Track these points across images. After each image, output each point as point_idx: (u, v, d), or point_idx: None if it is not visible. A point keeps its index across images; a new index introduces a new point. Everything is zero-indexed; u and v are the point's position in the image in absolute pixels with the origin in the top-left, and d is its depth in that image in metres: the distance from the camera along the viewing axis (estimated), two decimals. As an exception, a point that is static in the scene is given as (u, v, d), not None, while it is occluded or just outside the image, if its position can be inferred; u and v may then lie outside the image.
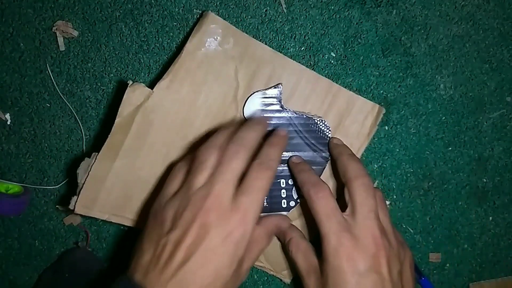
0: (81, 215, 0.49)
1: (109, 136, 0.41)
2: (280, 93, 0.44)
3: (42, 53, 0.46)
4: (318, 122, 0.44)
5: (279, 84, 0.44)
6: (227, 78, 0.43)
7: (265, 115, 0.44)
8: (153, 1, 0.45)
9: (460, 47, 0.48)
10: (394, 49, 0.47)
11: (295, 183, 0.43)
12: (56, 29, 0.45)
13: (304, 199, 0.40)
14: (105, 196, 0.43)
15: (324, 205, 0.37)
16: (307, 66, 0.44)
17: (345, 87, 0.45)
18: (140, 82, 0.44)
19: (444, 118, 0.49)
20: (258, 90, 0.44)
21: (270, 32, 0.46)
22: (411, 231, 0.51)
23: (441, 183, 0.50)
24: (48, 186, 0.48)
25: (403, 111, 0.48)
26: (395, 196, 0.50)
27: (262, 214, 0.40)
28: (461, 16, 0.47)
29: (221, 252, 0.32)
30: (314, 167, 0.44)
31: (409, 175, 0.50)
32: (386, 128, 0.49)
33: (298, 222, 0.46)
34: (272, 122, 0.44)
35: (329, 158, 0.45)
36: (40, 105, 0.47)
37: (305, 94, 0.44)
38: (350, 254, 0.35)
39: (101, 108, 0.47)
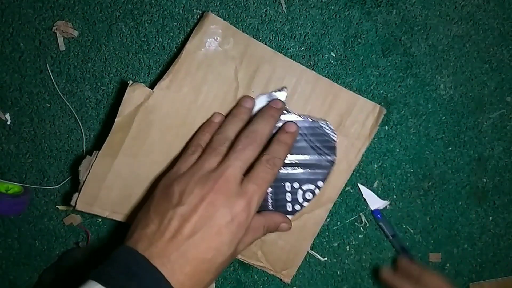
0: (81, 215, 0.49)
1: (109, 135, 0.42)
2: (286, 96, 0.44)
3: (42, 53, 0.46)
4: (323, 126, 0.44)
5: (284, 87, 0.44)
6: (227, 78, 0.43)
7: None
8: (153, 1, 0.45)
9: (460, 47, 0.48)
10: (394, 49, 0.47)
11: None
12: (56, 29, 0.45)
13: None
14: (105, 193, 0.43)
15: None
16: (307, 66, 0.44)
17: (345, 87, 0.45)
18: (140, 82, 0.44)
19: (444, 118, 0.49)
20: (264, 93, 0.44)
21: (270, 32, 0.46)
22: (411, 231, 0.51)
23: (441, 183, 0.50)
24: (48, 186, 0.48)
25: (403, 111, 0.48)
26: (395, 196, 0.50)
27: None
28: (461, 16, 0.47)
29: (225, 231, 0.34)
30: (318, 170, 0.45)
31: (409, 175, 0.50)
32: (386, 128, 0.49)
33: (296, 223, 0.46)
34: (277, 125, 0.44)
35: (335, 161, 0.45)
36: (40, 105, 0.47)
37: (306, 95, 0.44)
38: None
39: (101, 108, 0.47)
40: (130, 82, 0.42)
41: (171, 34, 0.45)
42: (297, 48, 0.46)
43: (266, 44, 0.44)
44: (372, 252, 0.51)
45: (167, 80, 0.42)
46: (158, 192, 0.37)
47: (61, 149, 0.48)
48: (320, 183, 0.45)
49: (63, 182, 0.48)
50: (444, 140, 0.49)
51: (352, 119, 0.45)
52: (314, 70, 0.45)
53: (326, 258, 0.51)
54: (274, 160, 0.38)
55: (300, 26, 0.46)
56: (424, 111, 0.49)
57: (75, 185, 0.42)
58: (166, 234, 0.33)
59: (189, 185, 0.35)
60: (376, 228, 0.51)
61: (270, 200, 0.44)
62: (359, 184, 0.49)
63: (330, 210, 0.47)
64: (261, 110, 0.43)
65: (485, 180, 0.51)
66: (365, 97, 0.45)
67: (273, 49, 0.43)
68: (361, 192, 0.50)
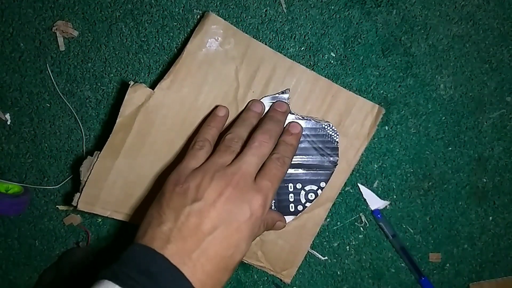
0: (81, 215, 0.49)
1: (111, 135, 0.42)
2: (288, 98, 0.44)
3: (42, 53, 0.46)
4: (326, 127, 0.45)
5: (287, 89, 0.44)
6: (227, 79, 0.43)
7: None
8: (153, 1, 0.45)
9: (460, 47, 0.48)
10: (394, 49, 0.47)
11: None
12: (56, 29, 0.45)
13: None
14: (107, 193, 0.43)
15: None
16: (307, 66, 0.44)
17: (345, 87, 0.45)
18: (140, 82, 0.44)
19: (444, 118, 0.49)
20: (268, 95, 0.44)
21: (270, 32, 0.46)
22: (411, 231, 0.51)
23: (441, 183, 0.50)
24: (48, 186, 0.48)
25: (403, 111, 0.48)
26: (395, 196, 0.50)
27: None
28: (461, 16, 0.47)
29: (245, 228, 0.33)
30: (321, 171, 0.45)
31: (409, 175, 0.50)
32: (386, 128, 0.49)
33: (296, 223, 0.46)
34: None
35: (337, 162, 0.45)
36: (40, 105, 0.47)
37: (305, 95, 0.44)
38: None
39: (101, 108, 0.47)
40: (131, 82, 0.42)
41: (171, 34, 0.45)
42: (297, 48, 0.46)
43: (266, 44, 0.44)
44: (372, 252, 0.51)
45: (168, 81, 0.42)
46: (169, 188, 0.35)
47: (61, 149, 0.48)
48: (322, 184, 0.45)
49: (63, 182, 0.48)
50: (444, 140, 0.49)
51: (351, 119, 0.45)
52: (314, 70, 0.45)
53: (326, 258, 0.51)
54: (283, 159, 0.38)
55: (300, 26, 0.46)
56: (424, 111, 0.49)
57: (76, 185, 0.42)
58: (185, 231, 0.32)
59: (205, 180, 0.34)
60: (376, 228, 0.51)
61: (272, 201, 0.44)
62: (359, 184, 0.49)
63: (330, 210, 0.47)
64: (268, 112, 0.43)
65: (485, 180, 0.51)
66: (365, 97, 0.45)
67: (273, 49, 0.43)
68: (361, 192, 0.50)
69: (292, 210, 0.45)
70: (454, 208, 0.51)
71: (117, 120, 0.42)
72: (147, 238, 0.32)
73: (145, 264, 0.30)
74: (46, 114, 0.47)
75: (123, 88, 0.41)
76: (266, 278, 0.51)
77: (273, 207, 0.45)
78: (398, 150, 0.49)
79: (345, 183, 0.46)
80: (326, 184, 0.45)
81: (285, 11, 0.46)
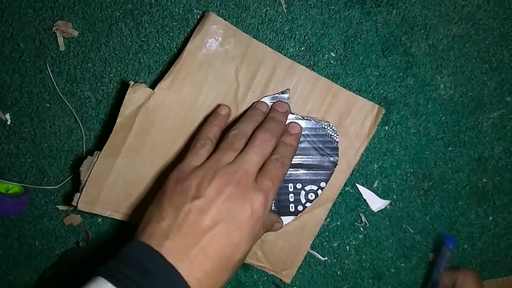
0: (81, 215, 0.49)
1: (111, 135, 0.42)
2: (288, 98, 0.44)
3: (42, 53, 0.46)
4: (326, 127, 0.45)
5: (287, 89, 0.44)
6: (227, 79, 0.43)
7: None
8: (153, 1, 0.45)
9: (460, 47, 0.48)
10: (394, 49, 0.47)
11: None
12: (56, 29, 0.45)
13: None
14: (107, 193, 0.43)
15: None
16: (307, 66, 0.44)
17: (345, 87, 0.45)
18: (141, 82, 0.44)
19: (444, 118, 0.49)
20: (268, 95, 0.44)
21: (270, 32, 0.46)
22: (411, 231, 0.51)
23: (441, 183, 0.50)
24: (48, 186, 0.48)
25: (403, 111, 0.48)
26: (395, 196, 0.50)
27: None
28: (461, 16, 0.47)
29: (245, 227, 0.33)
30: (321, 171, 0.45)
31: (409, 175, 0.50)
32: (386, 128, 0.49)
33: (296, 223, 0.46)
34: None
35: (337, 162, 0.45)
36: (40, 105, 0.47)
37: (305, 95, 0.44)
38: None
39: (101, 108, 0.47)
40: (131, 82, 0.42)
41: (171, 34, 0.45)
42: (297, 48, 0.46)
43: (266, 44, 0.44)
44: (372, 252, 0.51)
45: (168, 81, 0.42)
46: (170, 185, 0.35)
47: (61, 149, 0.48)
48: (322, 184, 0.45)
49: (63, 182, 0.48)
50: (444, 140, 0.49)
51: (351, 119, 0.45)
52: (314, 70, 0.45)
53: (326, 258, 0.51)
54: (283, 159, 0.38)
55: (300, 26, 0.46)
56: (424, 111, 0.49)
57: (76, 185, 0.42)
58: (184, 228, 0.31)
59: (206, 178, 0.34)
60: (376, 228, 0.51)
61: (273, 201, 0.44)
62: (357, 185, 0.49)
63: (330, 210, 0.47)
64: (269, 113, 0.43)
65: (485, 180, 0.51)
66: (365, 97, 0.45)
67: (273, 49, 0.43)
68: (360, 192, 0.50)
69: (292, 210, 0.45)
70: (454, 208, 0.51)
71: (117, 120, 0.42)
72: (146, 234, 0.32)
73: (141, 261, 0.30)
74: (46, 114, 0.47)
75: (123, 88, 0.41)
76: (266, 278, 0.51)
77: (273, 208, 0.45)
78: (398, 150, 0.49)
79: (345, 183, 0.46)
80: (326, 184, 0.45)
81: (285, 11, 0.46)
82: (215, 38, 0.43)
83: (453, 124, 0.49)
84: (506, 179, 0.51)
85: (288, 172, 0.44)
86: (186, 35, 0.46)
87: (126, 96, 0.41)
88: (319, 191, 0.45)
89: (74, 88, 0.46)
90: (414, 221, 0.51)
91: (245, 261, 0.47)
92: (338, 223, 0.50)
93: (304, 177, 0.45)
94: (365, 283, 0.52)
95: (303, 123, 0.44)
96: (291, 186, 0.45)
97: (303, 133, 0.44)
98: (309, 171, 0.45)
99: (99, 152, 0.42)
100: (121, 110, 0.42)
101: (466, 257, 0.52)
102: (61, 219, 0.49)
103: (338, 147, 0.45)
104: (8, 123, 0.47)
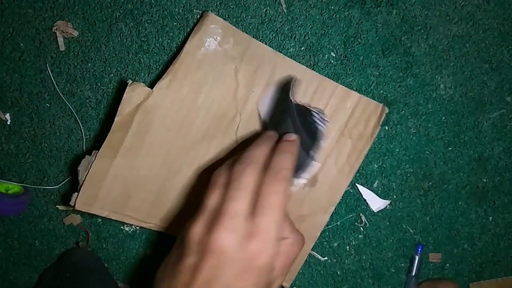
0: (81, 214, 0.49)
1: (109, 134, 0.42)
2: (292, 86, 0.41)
3: (42, 53, 0.46)
4: (314, 113, 0.43)
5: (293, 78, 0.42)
6: (227, 78, 0.43)
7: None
8: (153, 1, 0.45)
9: (460, 47, 0.48)
10: (394, 49, 0.47)
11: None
12: (56, 29, 0.45)
13: None
14: (105, 193, 0.43)
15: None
16: (307, 66, 0.44)
17: (345, 87, 0.45)
18: (140, 82, 0.44)
19: (444, 118, 0.49)
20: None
21: (270, 32, 0.46)
22: (411, 231, 0.51)
23: (441, 183, 0.50)
24: (48, 186, 0.48)
25: (403, 111, 0.48)
26: (395, 196, 0.50)
27: None
28: (461, 16, 0.47)
29: (244, 280, 0.28)
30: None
31: (409, 175, 0.50)
32: (386, 128, 0.49)
33: (297, 226, 0.46)
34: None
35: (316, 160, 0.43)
36: (40, 105, 0.47)
37: (306, 95, 0.44)
38: None
39: (101, 108, 0.47)
40: (130, 81, 0.41)
41: (171, 34, 0.45)
42: (297, 48, 0.46)
43: (266, 44, 0.44)
44: (372, 252, 0.51)
45: (166, 80, 0.42)
46: (175, 246, 0.32)
47: (61, 149, 0.48)
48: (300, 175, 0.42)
49: (63, 182, 0.48)
50: (444, 140, 0.49)
51: (354, 119, 0.45)
52: (314, 70, 0.45)
53: (326, 258, 0.51)
54: (280, 173, 0.31)
55: (300, 26, 0.46)
56: (424, 111, 0.49)
57: (75, 185, 0.42)
58: None
59: (196, 231, 0.30)
60: (376, 228, 0.51)
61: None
62: (357, 185, 0.49)
63: (331, 212, 0.47)
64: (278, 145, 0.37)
65: (485, 180, 0.51)
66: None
67: (273, 49, 0.43)
68: (360, 192, 0.50)
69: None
70: (454, 208, 0.51)
71: (115, 119, 0.41)
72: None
73: None
74: (46, 114, 0.47)
75: (123, 88, 0.41)
76: (266, 278, 0.51)
77: None
78: (398, 150, 0.49)
79: (345, 183, 0.47)
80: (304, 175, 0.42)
81: (285, 11, 0.46)
82: (213, 37, 0.42)
83: (453, 124, 0.49)
84: (506, 179, 0.51)
85: None
86: (186, 35, 0.46)
87: (124, 95, 0.41)
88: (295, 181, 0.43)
89: (74, 88, 0.46)
90: (414, 221, 0.51)
91: None
92: (338, 223, 0.50)
93: None
94: (365, 283, 0.52)
95: (294, 106, 0.41)
96: None
97: (290, 114, 0.40)
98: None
99: (97, 151, 0.42)
100: (119, 109, 0.41)
101: (466, 257, 0.52)
102: (61, 219, 0.49)
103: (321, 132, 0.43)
104: (8, 123, 0.47)
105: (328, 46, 0.47)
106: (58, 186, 0.48)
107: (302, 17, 0.46)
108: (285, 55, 0.44)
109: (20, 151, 0.48)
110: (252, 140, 0.36)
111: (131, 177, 0.43)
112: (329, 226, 0.50)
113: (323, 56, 0.47)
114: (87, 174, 0.42)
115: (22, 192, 0.47)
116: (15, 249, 0.50)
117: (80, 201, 0.42)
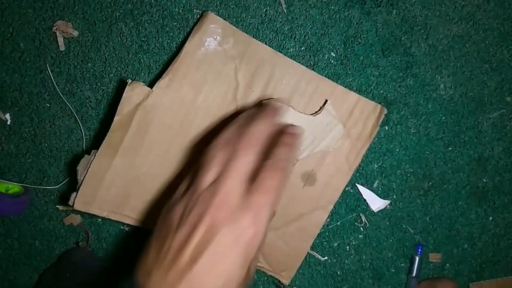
0: (81, 214, 0.49)
1: (108, 133, 0.42)
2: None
3: (42, 53, 0.46)
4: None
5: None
6: (226, 78, 0.43)
7: None
8: (153, 1, 0.45)
9: (460, 47, 0.48)
10: (394, 49, 0.47)
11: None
12: (56, 29, 0.45)
13: None
14: (104, 193, 0.43)
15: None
16: (307, 66, 0.44)
17: (345, 87, 0.45)
18: (140, 81, 0.44)
19: (444, 118, 0.49)
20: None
21: (270, 32, 0.46)
22: (411, 231, 0.51)
23: (441, 183, 0.50)
24: (48, 186, 0.48)
25: (403, 111, 0.48)
26: (395, 196, 0.50)
27: None
28: (461, 16, 0.47)
29: (232, 253, 0.30)
30: None
31: (409, 175, 0.50)
32: (386, 128, 0.49)
33: (296, 224, 0.46)
34: None
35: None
36: (40, 105, 0.47)
37: (305, 95, 0.44)
38: None
39: (101, 108, 0.47)
40: (129, 80, 0.41)
41: (171, 34, 0.45)
42: (297, 48, 0.46)
43: (266, 44, 0.44)
44: (372, 252, 0.51)
45: (166, 79, 0.42)
46: (160, 219, 0.33)
47: (61, 149, 0.48)
48: None
49: (63, 182, 0.48)
50: (444, 140, 0.49)
51: (353, 120, 0.45)
52: (314, 70, 0.45)
53: (326, 258, 0.51)
54: (280, 163, 0.32)
55: (300, 26, 0.46)
56: (424, 111, 0.49)
57: (75, 185, 0.42)
58: (165, 262, 0.29)
59: (188, 206, 0.31)
60: (376, 228, 0.51)
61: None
62: (358, 185, 0.49)
63: (330, 211, 0.47)
64: (259, 107, 0.37)
65: (485, 180, 0.51)
66: (365, 97, 0.45)
67: (273, 49, 0.43)
68: (360, 192, 0.50)
69: None
70: (454, 208, 0.51)
71: (114, 118, 0.41)
72: (136, 269, 0.31)
73: None
74: (46, 114, 0.47)
75: (122, 88, 0.41)
76: (266, 278, 0.51)
77: None
78: (398, 150, 0.49)
79: (345, 183, 0.47)
80: None
81: (285, 11, 0.46)
82: (213, 37, 0.42)
83: (453, 124, 0.49)
84: (506, 179, 0.51)
85: None
86: (186, 35, 0.46)
87: (124, 94, 0.41)
88: None
89: (74, 88, 0.46)
90: (414, 221, 0.51)
91: None
92: (338, 223, 0.50)
93: None
94: (365, 283, 0.52)
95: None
96: None
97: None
98: None
99: (96, 151, 0.42)
100: (119, 108, 0.41)
101: (466, 257, 0.52)
102: (61, 219, 0.49)
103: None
104: (8, 123, 0.47)
105: (328, 46, 0.47)
106: (58, 186, 0.48)
107: (302, 17, 0.46)
108: (285, 55, 0.44)
109: (20, 151, 0.48)
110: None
111: (131, 176, 0.43)
112: (329, 226, 0.50)
113: (323, 56, 0.47)
114: (86, 173, 0.42)
115: (22, 192, 0.47)
116: (15, 249, 0.50)
117: (79, 201, 0.42)
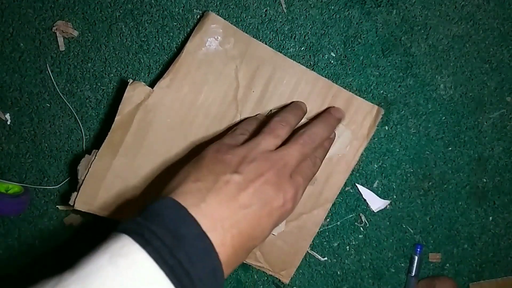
0: (81, 214, 0.49)
1: (109, 133, 0.42)
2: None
3: (42, 53, 0.46)
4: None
5: None
6: (227, 78, 0.43)
7: None
8: (153, 1, 0.45)
9: (460, 47, 0.48)
10: (394, 49, 0.47)
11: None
12: (56, 29, 0.45)
13: None
14: (104, 193, 0.43)
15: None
16: (307, 66, 0.44)
17: (345, 87, 0.45)
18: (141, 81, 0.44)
19: (444, 118, 0.49)
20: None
21: (270, 32, 0.46)
22: (411, 231, 0.51)
23: (441, 183, 0.50)
24: (48, 186, 0.48)
25: (403, 111, 0.48)
26: (395, 196, 0.50)
27: None
28: (461, 16, 0.47)
29: (274, 214, 0.32)
30: None
31: (409, 175, 0.50)
32: (386, 128, 0.49)
33: (295, 223, 0.46)
34: None
35: None
36: (40, 105, 0.47)
37: (305, 95, 0.44)
38: None
39: (101, 108, 0.47)
40: (130, 80, 0.42)
41: (171, 34, 0.45)
42: (297, 48, 0.46)
43: (266, 44, 0.44)
44: (372, 252, 0.51)
45: (167, 79, 0.42)
46: (211, 153, 0.34)
47: (61, 149, 0.48)
48: None
49: (63, 182, 0.48)
50: (444, 140, 0.49)
51: (350, 119, 0.45)
52: (314, 70, 0.45)
53: (326, 258, 0.51)
54: (316, 159, 0.38)
55: (300, 26, 0.46)
56: (424, 111, 0.49)
57: (75, 185, 0.42)
58: (222, 195, 0.30)
59: (247, 158, 0.33)
60: (376, 228, 0.51)
61: None
62: (357, 185, 0.49)
63: (330, 210, 0.47)
64: (321, 115, 0.43)
65: (485, 180, 0.51)
66: (365, 97, 0.45)
67: (273, 49, 0.43)
68: (360, 192, 0.50)
69: None
70: (454, 208, 0.51)
71: (115, 118, 0.41)
72: (180, 192, 0.29)
73: (175, 224, 0.27)
74: (46, 114, 0.47)
75: (123, 88, 0.41)
76: (266, 278, 0.51)
77: None
78: (398, 150, 0.49)
79: (345, 183, 0.46)
80: None
81: (285, 11, 0.46)
82: (214, 37, 0.43)
83: (453, 124, 0.49)
84: (506, 179, 0.51)
85: None
86: (186, 35, 0.46)
87: (124, 94, 0.41)
88: None
89: (74, 88, 0.46)
90: (414, 221, 0.51)
91: (244, 261, 0.47)
92: (338, 223, 0.50)
93: None
94: (365, 283, 0.52)
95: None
96: None
97: None
98: None
99: (96, 150, 0.42)
100: (119, 108, 0.41)
101: (466, 257, 0.52)
102: (61, 219, 0.49)
103: None
104: (8, 123, 0.47)
105: (328, 46, 0.47)
106: (58, 186, 0.48)
107: (302, 17, 0.46)
108: (285, 55, 0.44)
109: (20, 151, 0.48)
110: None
111: (131, 176, 0.43)
112: (329, 226, 0.50)
113: (323, 56, 0.47)
114: (87, 173, 0.42)
115: (22, 192, 0.47)
116: (15, 249, 0.50)
117: (80, 200, 0.42)
